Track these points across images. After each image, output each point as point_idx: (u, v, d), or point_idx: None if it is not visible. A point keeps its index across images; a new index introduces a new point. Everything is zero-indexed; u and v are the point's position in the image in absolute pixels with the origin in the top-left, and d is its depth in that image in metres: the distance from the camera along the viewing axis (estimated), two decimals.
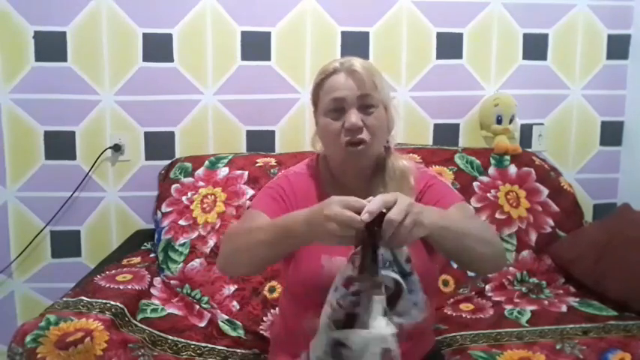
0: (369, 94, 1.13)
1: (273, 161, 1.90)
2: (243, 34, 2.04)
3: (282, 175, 1.27)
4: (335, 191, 1.08)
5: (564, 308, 1.65)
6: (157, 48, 2.01)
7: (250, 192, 1.81)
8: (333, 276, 0.96)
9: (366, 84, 1.13)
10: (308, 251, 1.11)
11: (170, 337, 1.44)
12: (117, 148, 2.02)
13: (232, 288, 1.66)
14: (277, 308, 1.55)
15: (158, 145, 2.05)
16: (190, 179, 1.87)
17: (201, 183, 1.85)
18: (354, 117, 1.11)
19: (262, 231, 1.04)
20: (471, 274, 1.77)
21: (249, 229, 1.09)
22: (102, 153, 2.01)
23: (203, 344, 1.47)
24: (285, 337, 1.25)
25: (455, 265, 1.73)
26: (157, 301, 1.57)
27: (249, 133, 2.09)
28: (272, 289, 1.66)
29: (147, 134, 2.05)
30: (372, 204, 0.87)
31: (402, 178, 1.18)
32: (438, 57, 2.12)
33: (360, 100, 1.13)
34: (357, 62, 1.15)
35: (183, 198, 1.83)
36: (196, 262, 1.71)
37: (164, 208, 1.83)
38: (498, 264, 1.17)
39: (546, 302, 1.69)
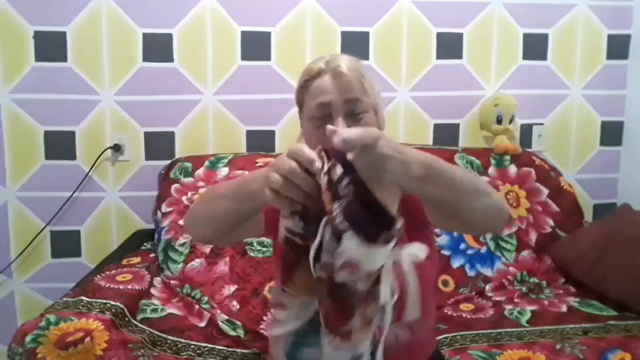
0: (358, 98, 1.03)
1: (273, 161, 1.90)
2: (243, 34, 2.04)
3: None
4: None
5: (564, 308, 1.65)
6: (157, 48, 2.01)
7: None
8: None
9: (354, 88, 1.03)
10: None
11: (170, 337, 1.44)
12: (117, 148, 2.02)
13: (232, 288, 1.66)
14: None
15: (158, 145, 2.05)
16: (190, 179, 1.87)
17: (201, 183, 1.85)
18: (340, 127, 0.99)
19: (224, 185, 1.01)
20: (470, 273, 1.77)
21: (209, 192, 1.06)
22: (102, 153, 2.01)
23: (203, 344, 1.47)
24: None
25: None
26: (156, 301, 1.57)
27: (249, 133, 2.09)
28: (272, 289, 1.65)
29: (147, 134, 2.05)
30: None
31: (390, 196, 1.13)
32: (438, 57, 2.12)
33: (347, 106, 1.02)
34: (343, 63, 1.05)
35: (184, 198, 1.83)
36: (196, 262, 1.71)
37: (164, 208, 1.83)
38: (501, 216, 1.02)
39: (546, 302, 1.69)
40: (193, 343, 1.46)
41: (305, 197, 0.79)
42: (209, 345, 1.47)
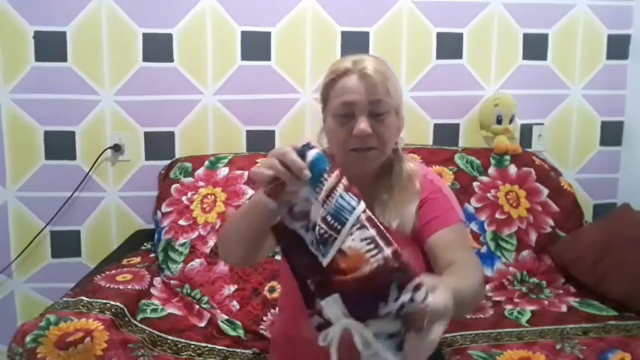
0: (382, 100, 1.09)
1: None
2: (243, 34, 2.04)
3: None
4: None
5: (564, 308, 1.65)
6: (157, 48, 2.01)
7: (250, 192, 1.81)
8: None
9: (378, 89, 1.08)
10: None
11: (170, 338, 1.44)
12: (117, 148, 2.02)
13: (232, 288, 1.66)
14: (277, 308, 1.55)
15: (158, 145, 2.05)
16: (190, 179, 1.87)
17: (201, 183, 1.85)
18: (363, 124, 1.07)
19: (238, 210, 1.10)
20: None
21: (228, 219, 1.17)
22: (102, 153, 2.01)
23: (203, 344, 1.47)
24: (284, 340, 1.24)
25: None
26: (156, 301, 1.57)
27: (249, 133, 2.09)
28: (272, 289, 1.66)
29: (147, 134, 2.05)
30: None
31: (408, 181, 1.16)
32: (438, 57, 2.12)
33: (371, 106, 1.08)
34: (369, 64, 1.10)
35: (183, 198, 1.83)
36: (196, 262, 1.71)
37: (164, 208, 1.83)
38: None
39: (546, 302, 1.69)
40: (193, 343, 1.46)
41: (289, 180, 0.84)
42: (209, 345, 1.47)
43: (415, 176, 1.17)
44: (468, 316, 1.61)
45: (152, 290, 1.61)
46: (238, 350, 1.49)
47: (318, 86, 1.20)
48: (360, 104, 1.08)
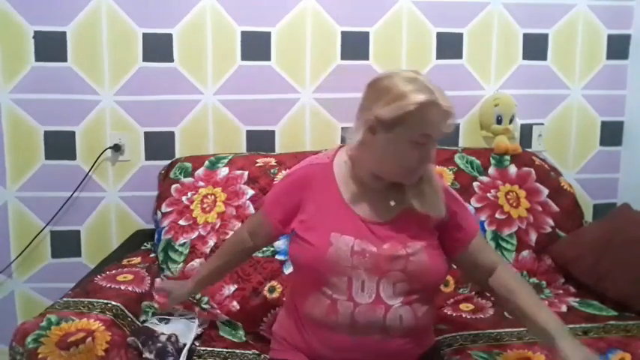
0: (447, 133, 1.17)
1: (273, 161, 1.90)
2: (243, 34, 2.04)
3: (307, 163, 1.31)
4: (356, 185, 1.23)
5: (564, 308, 1.65)
6: (157, 48, 2.00)
7: (250, 192, 1.81)
8: (340, 252, 1.15)
9: (450, 126, 1.16)
10: (318, 229, 1.19)
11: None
12: (117, 148, 2.02)
13: (232, 288, 1.66)
14: (279, 308, 1.56)
15: (158, 145, 2.05)
16: (190, 179, 1.87)
17: (201, 183, 1.85)
18: (433, 155, 1.17)
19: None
20: None
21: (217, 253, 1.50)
22: (102, 153, 2.01)
23: (203, 348, 1.47)
24: (295, 331, 1.25)
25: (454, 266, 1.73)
26: (157, 305, 1.57)
27: (249, 133, 2.09)
28: (272, 289, 1.66)
29: (147, 134, 2.05)
30: None
31: (432, 171, 1.24)
32: (438, 57, 2.12)
33: (438, 137, 1.17)
34: (444, 99, 1.14)
35: (183, 198, 1.83)
36: (196, 262, 1.71)
37: (164, 208, 1.83)
38: None
39: (546, 302, 1.68)
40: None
41: None
42: (207, 348, 1.48)
43: (435, 171, 1.27)
44: (468, 317, 1.62)
45: (153, 292, 1.61)
46: (238, 351, 1.49)
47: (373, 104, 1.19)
48: (434, 136, 1.15)
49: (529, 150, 2.13)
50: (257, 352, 1.50)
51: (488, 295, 1.74)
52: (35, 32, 1.95)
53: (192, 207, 1.81)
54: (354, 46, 2.07)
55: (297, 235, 1.22)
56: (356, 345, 1.15)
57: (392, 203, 1.22)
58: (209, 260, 1.51)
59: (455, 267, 1.33)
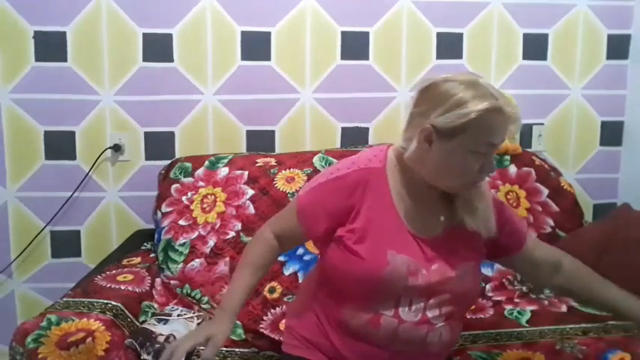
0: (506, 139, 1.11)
1: (273, 161, 1.90)
2: (243, 34, 2.04)
3: (352, 165, 1.17)
4: (408, 196, 1.15)
5: (564, 308, 1.65)
6: (157, 48, 2.00)
7: (250, 192, 1.81)
8: (397, 272, 1.08)
9: (514, 132, 1.09)
10: (374, 244, 1.11)
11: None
12: (117, 148, 2.02)
13: None
14: (280, 308, 1.55)
15: (158, 145, 2.05)
16: (190, 179, 1.87)
17: (201, 183, 1.85)
18: (495, 164, 1.11)
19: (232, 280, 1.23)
20: None
21: (242, 258, 1.25)
22: (102, 153, 2.01)
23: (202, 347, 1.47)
24: (320, 333, 1.20)
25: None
26: (157, 305, 1.58)
27: (249, 133, 2.09)
28: (272, 290, 1.66)
29: (147, 134, 2.05)
30: None
31: (485, 188, 1.17)
32: (438, 57, 2.12)
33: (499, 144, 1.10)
34: (508, 105, 1.06)
35: (183, 198, 1.83)
36: (196, 262, 1.71)
37: (164, 208, 1.83)
38: None
39: (546, 302, 1.69)
40: None
41: None
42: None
43: (485, 183, 1.18)
44: (468, 317, 1.62)
45: (154, 292, 1.61)
46: (237, 350, 1.49)
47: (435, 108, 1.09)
48: (498, 145, 1.08)
49: (529, 150, 2.13)
50: (256, 350, 1.50)
51: (488, 296, 1.74)
52: (35, 32, 1.95)
53: (192, 207, 1.81)
54: (354, 46, 2.07)
55: (345, 245, 1.12)
56: (390, 357, 1.13)
57: (442, 218, 1.16)
58: (240, 282, 1.19)
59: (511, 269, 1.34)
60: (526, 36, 2.15)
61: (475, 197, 1.14)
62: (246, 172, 1.86)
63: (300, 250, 1.72)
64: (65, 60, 1.98)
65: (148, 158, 2.05)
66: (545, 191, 1.95)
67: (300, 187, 1.29)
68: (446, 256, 1.13)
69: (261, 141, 2.08)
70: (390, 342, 1.11)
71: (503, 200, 1.28)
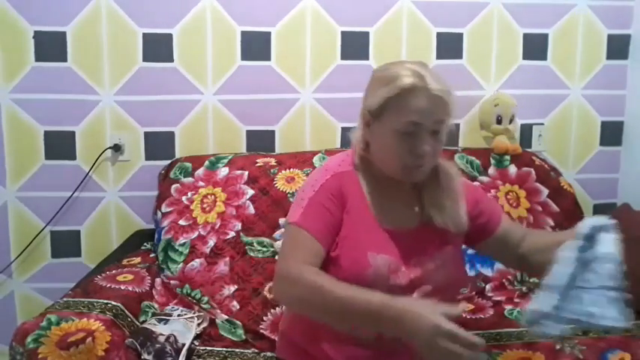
0: (444, 120, 1.10)
1: (273, 161, 1.90)
2: (243, 34, 2.04)
3: (326, 173, 1.18)
4: (380, 193, 1.15)
5: None
6: (157, 48, 2.00)
7: (250, 192, 1.81)
8: (379, 273, 1.06)
9: (443, 111, 1.09)
10: (353, 248, 1.11)
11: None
12: (117, 148, 2.02)
13: (232, 288, 1.66)
14: (282, 308, 1.56)
15: (158, 145, 2.05)
16: (190, 179, 1.87)
17: (201, 183, 1.85)
18: (427, 147, 1.08)
19: (325, 297, 1.00)
20: (470, 273, 1.77)
21: (318, 289, 1.01)
22: (102, 153, 2.01)
23: (202, 347, 1.47)
24: (308, 338, 1.19)
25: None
26: (157, 305, 1.58)
27: (249, 133, 2.09)
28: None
29: (147, 134, 2.05)
30: None
31: (455, 183, 1.19)
32: (438, 57, 2.12)
33: (433, 126, 1.09)
34: (434, 82, 1.08)
35: (183, 198, 1.83)
36: (196, 262, 1.71)
37: (164, 208, 1.83)
38: None
39: None
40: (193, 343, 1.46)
41: None
42: (207, 348, 1.48)
43: (458, 177, 1.21)
44: (468, 317, 1.62)
45: (154, 292, 1.62)
46: (238, 350, 1.50)
47: (370, 93, 1.16)
48: (425, 125, 1.08)
49: (529, 150, 2.13)
50: (256, 350, 1.50)
51: (488, 296, 1.74)
52: (35, 32, 1.95)
53: (192, 207, 1.81)
54: (354, 46, 2.07)
55: (329, 254, 1.12)
56: (382, 357, 1.11)
57: (416, 209, 1.17)
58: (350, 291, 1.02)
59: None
60: (526, 36, 2.15)
61: (443, 193, 1.16)
62: (246, 172, 1.86)
63: None
64: (65, 60, 1.98)
65: (148, 158, 2.05)
66: (545, 191, 1.95)
67: (299, 188, 1.26)
68: (424, 247, 1.14)
69: (261, 141, 2.08)
70: (376, 342, 1.11)
71: (474, 185, 1.29)
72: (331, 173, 1.17)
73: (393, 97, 1.08)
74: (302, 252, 1.09)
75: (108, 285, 1.51)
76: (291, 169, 1.86)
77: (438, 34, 2.11)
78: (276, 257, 1.64)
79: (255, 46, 2.04)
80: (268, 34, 2.04)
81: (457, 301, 1.29)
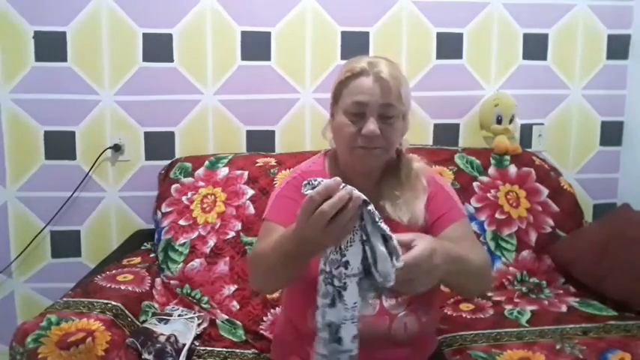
0: (393, 104, 1.13)
1: (273, 161, 1.90)
2: (243, 34, 2.04)
3: (295, 172, 1.27)
4: None
5: (564, 308, 1.65)
6: (157, 48, 2.00)
7: (250, 192, 1.81)
8: None
9: (391, 94, 1.12)
10: None
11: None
12: (117, 148, 2.02)
13: (232, 288, 1.66)
14: (279, 308, 1.56)
15: (158, 145, 2.05)
16: (190, 179, 1.87)
17: (201, 183, 1.85)
18: (372, 125, 1.10)
19: (269, 258, 1.03)
20: None
21: (258, 257, 1.10)
22: (102, 153, 2.01)
23: (202, 348, 1.47)
24: (294, 339, 1.22)
25: None
26: (157, 304, 1.58)
27: (249, 133, 2.09)
28: None
29: (147, 134, 2.05)
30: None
31: (416, 179, 1.20)
32: (438, 57, 2.12)
33: (381, 109, 1.12)
34: (385, 68, 1.13)
35: (183, 198, 1.83)
36: (196, 262, 1.71)
37: (164, 208, 1.83)
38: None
39: (546, 302, 1.69)
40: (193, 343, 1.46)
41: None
42: (207, 348, 1.48)
43: (422, 174, 1.22)
44: (468, 317, 1.62)
45: (154, 292, 1.61)
46: (238, 350, 1.49)
47: (333, 82, 1.22)
48: (371, 106, 1.11)
49: (529, 150, 2.13)
50: (257, 351, 1.50)
51: (488, 296, 1.74)
52: (35, 32, 1.95)
53: (192, 207, 1.81)
54: (354, 46, 2.07)
55: None
56: (361, 357, 1.12)
57: (380, 203, 1.17)
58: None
59: None
60: (526, 36, 2.15)
61: (399, 187, 1.18)
62: (246, 172, 1.86)
63: None
64: (65, 60, 1.98)
65: (148, 158, 2.05)
66: (545, 191, 1.95)
67: None
68: None
69: (261, 141, 2.08)
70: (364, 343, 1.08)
71: (443, 184, 1.26)
72: (299, 172, 1.24)
73: (344, 80, 1.14)
74: (265, 240, 1.11)
75: (108, 285, 1.51)
76: (291, 169, 1.86)
77: (438, 34, 2.11)
78: None
79: (255, 46, 2.04)
80: (268, 34, 2.04)
81: (435, 296, 1.24)
